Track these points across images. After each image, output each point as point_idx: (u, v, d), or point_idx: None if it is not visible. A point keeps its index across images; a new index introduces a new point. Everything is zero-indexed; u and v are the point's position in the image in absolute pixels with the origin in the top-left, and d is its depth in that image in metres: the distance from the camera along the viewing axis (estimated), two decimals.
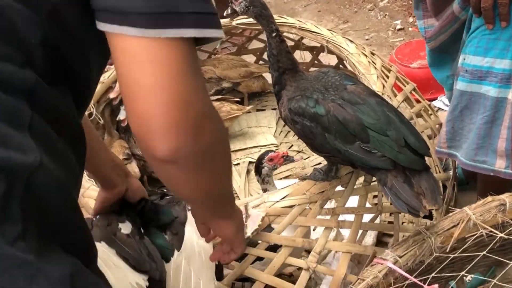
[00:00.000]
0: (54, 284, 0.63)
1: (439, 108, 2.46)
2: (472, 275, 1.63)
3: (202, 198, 0.81)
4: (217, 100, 2.35)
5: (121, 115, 2.19)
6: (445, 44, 1.59)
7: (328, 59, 2.72)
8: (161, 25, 0.61)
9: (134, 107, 0.63)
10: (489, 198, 1.32)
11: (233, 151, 2.42)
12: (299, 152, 2.37)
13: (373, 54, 2.05)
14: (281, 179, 2.19)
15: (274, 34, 1.34)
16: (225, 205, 0.90)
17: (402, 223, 1.79)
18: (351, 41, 2.04)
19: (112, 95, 2.14)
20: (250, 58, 2.75)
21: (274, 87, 1.37)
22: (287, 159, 1.70)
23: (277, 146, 2.43)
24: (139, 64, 0.62)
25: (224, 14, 1.39)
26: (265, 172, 1.68)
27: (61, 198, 0.65)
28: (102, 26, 0.64)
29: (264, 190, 1.71)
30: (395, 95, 1.79)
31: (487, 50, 1.38)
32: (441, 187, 1.23)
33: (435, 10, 1.56)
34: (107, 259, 1.10)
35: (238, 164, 2.33)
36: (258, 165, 1.71)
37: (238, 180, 2.22)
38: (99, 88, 2.11)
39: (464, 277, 1.58)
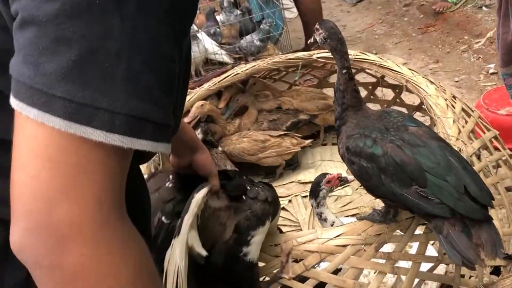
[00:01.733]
0: None
1: None
2: None
3: None
4: (278, 136, 2.39)
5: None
6: None
7: (413, 98, 2.66)
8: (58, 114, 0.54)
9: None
10: None
11: (302, 183, 2.41)
12: None
13: (454, 97, 1.98)
14: (348, 216, 2.15)
15: (344, 71, 1.35)
16: None
17: (470, 277, 1.69)
18: (431, 82, 1.98)
19: (187, 119, 2.22)
20: (330, 92, 2.75)
21: (336, 122, 1.37)
22: (342, 179, 1.77)
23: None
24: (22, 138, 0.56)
25: (308, 42, 1.47)
26: (322, 194, 1.73)
27: None
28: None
29: (319, 214, 1.75)
30: (472, 141, 1.71)
31: None
32: (502, 240, 1.15)
33: (504, 60, 1.48)
34: None
35: (306, 196, 2.31)
36: (315, 188, 1.75)
37: (303, 213, 2.20)
38: None
39: None
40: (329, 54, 2.25)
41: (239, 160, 2.43)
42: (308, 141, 2.45)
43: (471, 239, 1.13)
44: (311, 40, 1.42)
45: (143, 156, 0.82)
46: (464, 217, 1.15)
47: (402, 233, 1.40)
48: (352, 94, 1.35)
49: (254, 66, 2.36)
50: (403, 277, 1.39)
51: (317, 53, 2.29)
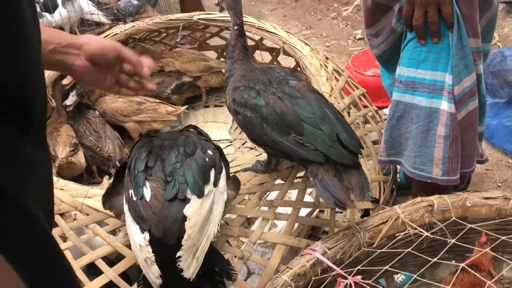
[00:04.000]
0: None
1: None
2: (403, 276, 1.69)
3: None
4: (154, 102, 2.37)
5: (68, 101, 2.20)
6: (387, 53, 1.64)
7: (289, 62, 2.78)
8: None
9: None
10: (418, 198, 1.38)
11: None
12: (251, 149, 2.41)
13: (327, 58, 2.11)
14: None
15: (236, 27, 1.43)
16: None
17: (343, 221, 1.85)
18: (306, 44, 2.10)
19: (65, 81, 2.14)
20: (211, 55, 2.79)
21: (225, 74, 1.45)
22: None
23: (230, 142, 2.46)
24: None
25: (216, 4, 1.54)
26: None
27: None
28: None
29: None
30: (343, 98, 1.86)
31: (420, 62, 1.43)
32: (369, 184, 1.29)
33: (367, 22, 1.62)
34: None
35: None
36: None
37: None
38: (54, 73, 2.11)
39: (395, 277, 1.65)
40: (210, 16, 2.30)
41: (112, 121, 2.35)
42: (183, 108, 2.45)
43: (343, 182, 1.25)
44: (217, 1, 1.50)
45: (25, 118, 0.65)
46: (336, 163, 1.26)
47: (283, 182, 1.50)
48: (241, 49, 1.43)
49: (134, 26, 2.33)
50: (283, 223, 1.50)
51: (198, 15, 2.31)
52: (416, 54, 1.43)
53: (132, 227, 1.20)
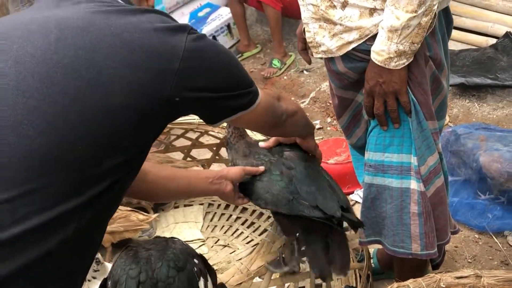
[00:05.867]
0: None
1: (356, 201, 2.61)
2: None
3: (303, 127, 1.44)
4: (126, 211, 2.35)
5: None
6: (361, 141, 1.70)
7: None
8: None
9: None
10: (395, 284, 1.41)
11: None
12: (225, 246, 2.42)
13: None
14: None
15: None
16: (310, 131, 1.52)
17: None
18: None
19: None
20: (178, 156, 2.83)
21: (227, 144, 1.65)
22: None
23: (203, 241, 2.46)
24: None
25: None
26: None
27: None
28: None
29: None
30: None
31: (385, 147, 1.52)
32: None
33: (336, 114, 1.71)
34: None
35: None
36: None
37: None
38: None
39: None
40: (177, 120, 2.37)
41: None
42: (154, 216, 2.43)
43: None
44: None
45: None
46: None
47: (261, 279, 1.51)
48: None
49: None
50: None
51: None
52: (381, 140, 1.53)
53: None
